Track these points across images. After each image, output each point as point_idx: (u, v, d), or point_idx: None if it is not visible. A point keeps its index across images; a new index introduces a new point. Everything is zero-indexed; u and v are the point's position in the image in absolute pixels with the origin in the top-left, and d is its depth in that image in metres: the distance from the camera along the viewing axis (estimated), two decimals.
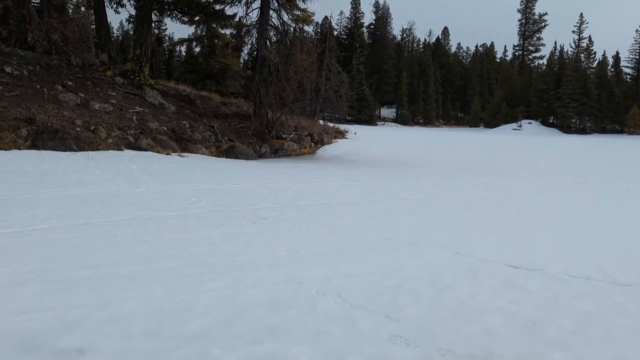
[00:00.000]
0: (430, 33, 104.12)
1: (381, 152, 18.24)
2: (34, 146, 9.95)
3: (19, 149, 9.60)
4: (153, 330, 2.54)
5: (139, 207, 5.60)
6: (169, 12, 15.95)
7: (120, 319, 2.63)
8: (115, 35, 61.73)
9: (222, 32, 22.61)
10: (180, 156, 11.64)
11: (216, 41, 26.98)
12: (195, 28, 24.23)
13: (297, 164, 12.81)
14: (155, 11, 15.68)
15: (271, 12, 15.17)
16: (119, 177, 7.73)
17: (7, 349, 2.25)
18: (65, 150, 10.14)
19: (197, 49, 33.45)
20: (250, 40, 15.71)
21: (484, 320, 2.76)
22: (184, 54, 45.95)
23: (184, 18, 18.34)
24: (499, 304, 3.03)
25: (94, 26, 30.06)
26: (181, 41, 27.95)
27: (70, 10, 26.54)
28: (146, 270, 3.45)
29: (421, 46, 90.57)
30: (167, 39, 69.06)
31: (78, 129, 11.12)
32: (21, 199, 5.66)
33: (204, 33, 24.97)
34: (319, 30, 67.28)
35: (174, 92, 16.59)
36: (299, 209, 6.04)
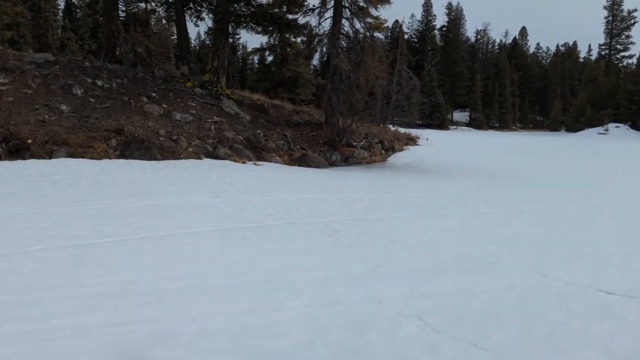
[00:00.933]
0: (506, 33, 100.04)
1: (455, 159, 17.78)
2: (122, 155, 10.65)
3: (110, 158, 10.30)
4: (239, 347, 2.64)
5: (220, 218, 5.83)
6: (244, 24, 16.51)
7: (210, 334, 2.76)
8: (192, 46, 64.73)
9: (294, 40, 23.10)
10: (255, 165, 11.99)
11: (288, 49, 27.58)
12: (268, 37, 24.85)
13: (368, 172, 12.78)
14: (232, 24, 16.28)
15: (343, 20, 15.29)
16: (200, 187, 8.09)
17: None
18: (150, 159, 10.76)
19: (270, 58, 34.40)
20: (322, 49, 15.89)
21: (577, 354, 2.62)
22: (256, 62, 47.41)
23: (257, 29, 18.93)
24: (593, 335, 2.86)
25: (174, 37, 31.71)
26: (255, 51, 28.80)
27: (153, 24, 28.21)
28: (230, 284, 3.59)
29: (496, 47, 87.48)
30: (240, 47, 71.53)
31: (161, 138, 11.76)
32: (113, 209, 6.07)
33: (276, 42, 25.56)
34: (389, 34, 66.84)
35: (248, 102, 17.12)
36: (373, 222, 6.03)
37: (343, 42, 14.79)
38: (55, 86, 13.40)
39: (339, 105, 14.85)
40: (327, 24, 15.92)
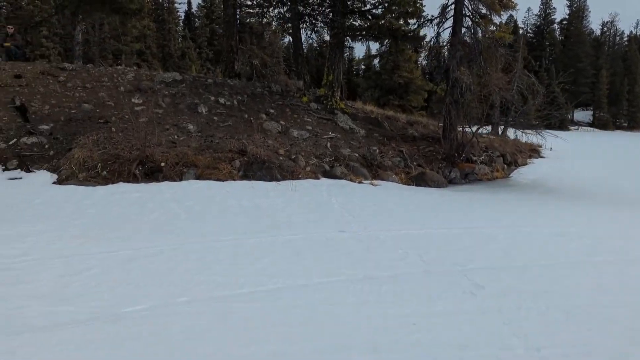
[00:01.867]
0: (637, 24, 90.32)
1: (592, 174, 16.14)
2: (245, 176, 10.95)
3: (234, 179, 10.63)
4: None
5: (349, 262, 5.63)
6: (360, 37, 16.35)
7: None
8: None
9: (407, 46, 22.58)
10: (372, 184, 11.74)
11: (399, 56, 27.03)
12: (379, 44, 24.48)
13: (493, 194, 11.95)
14: (347, 37, 16.22)
15: (464, 30, 14.52)
16: (324, 217, 7.99)
17: None
18: (271, 179, 10.95)
19: (378, 64, 34.06)
20: (441, 60, 15.24)
21: None
22: (362, 67, 47.28)
23: (371, 40, 18.68)
24: None
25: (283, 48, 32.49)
26: (364, 58, 28.65)
27: (267, 37, 29.15)
28: None
29: (625, 39, 79.26)
30: (346, 49, 71.64)
31: (281, 158, 11.94)
32: (245, 246, 6.13)
33: (387, 49, 25.12)
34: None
35: (362, 115, 16.94)
36: (516, 274, 5.47)
37: (463, 54, 14.02)
38: (182, 105, 14.21)
39: (458, 120, 14.14)
40: (445, 34, 15.26)
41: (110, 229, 6.61)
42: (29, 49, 33.25)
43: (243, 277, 4.96)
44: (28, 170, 9.65)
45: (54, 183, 9.33)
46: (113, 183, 9.65)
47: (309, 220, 7.68)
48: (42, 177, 9.43)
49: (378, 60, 31.93)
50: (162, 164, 10.24)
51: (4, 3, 44.44)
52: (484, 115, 14.56)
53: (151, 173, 10.18)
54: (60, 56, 35.13)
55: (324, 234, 6.89)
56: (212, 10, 70.02)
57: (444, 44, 14.88)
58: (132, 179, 9.93)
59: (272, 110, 15.26)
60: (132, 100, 13.81)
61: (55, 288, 4.51)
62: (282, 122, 14.56)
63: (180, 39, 66.34)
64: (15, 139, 10.51)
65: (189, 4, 74.88)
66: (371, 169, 12.90)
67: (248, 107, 15.20)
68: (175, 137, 12.05)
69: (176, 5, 67.77)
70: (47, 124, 11.49)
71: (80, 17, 23.13)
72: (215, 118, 13.91)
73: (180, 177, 10.29)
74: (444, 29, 14.81)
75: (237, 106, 15.08)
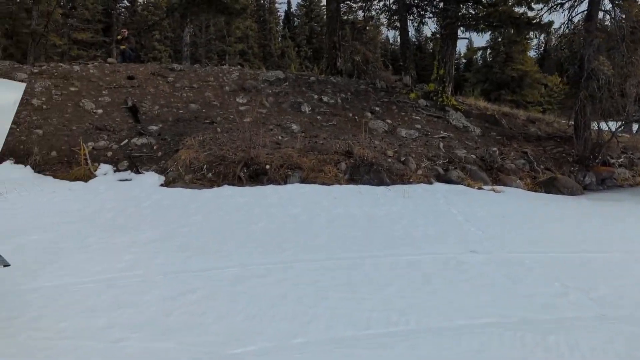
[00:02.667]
0: None
1: None
2: (351, 180, 10.15)
3: (340, 183, 9.88)
4: None
5: (493, 297, 4.56)
6: (475, 27, 14.90)
7: None
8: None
9: (526, 36, 20.49)
10: (494, 191, 10.41)
11: (512, 47, 24.84)
12: (490, 35, 22.58)
13: None
14: (461, 27, 14.85)
15: (601, 13, 12.58)
16: (445, 230, 6.95)
17: None
18: (379, 183, 10.05)
19: (481, 57, 31.70)
20: (574, 49, 13.36)
21: None
22: (463, 61, 44.59)
23: (486, 29, 17.07)
24: None
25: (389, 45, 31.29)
26: (474, 50, 26.73)
27: (369, 31, 28.25)
28: None
29: None
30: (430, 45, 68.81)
31: (389, 160, 11.00)
32: (362, 267, 5.30)
33: (499, 39, 23.12)
34: None
35: (475, 111, 15.47)
36: None
37: (601, 41, 12.11)
38: (286, 104, 13.76)
39: (594, 116, 12.27)
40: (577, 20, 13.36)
41: (216, 240, 6.10)
42: (143, 52, 35.30)
43: (367, 312, 4.12)
44: (137, 172, 9.61)
45: (162, 185, 9.17)
46: (218, 186, 9.31)
47: (430, 235, 6.67)
48: (151, 179, 9.31)
49: (482, 53, 29.69)
50: (267, 167, 9.74)
51: (123, 10, 47.81)
52: (626, 112, 12.52)
53: (256, 175, 9.73)
54: (171, 58, 36.89)
55: (452, 254, 5.85)
56: (311, 9, 70.64)
57: (577, 30, 13.01)
58: (237, 181, 9.54)
59: (377, 108, 14.35)
60: (237, 99, 13.61)
61: (157, 315, 3.96)
62: (389, 121, 13.60)
63: (280, 39, 67.67)
64: (126, 140, 10.59)
65: (289, 3, 76.27)
66: (491, 173, 11.53)
67: (352, 105, 14.42)
68: (279, 137, 11.57)
69: (277, 5, 69.30)
70: (156, 124, 11.52)
71: (189, 19, 23.81)
72: (318, 117, 13.30)
73: (284, 180, 9.73)
74: (577, 14, 12.95)
75: (340, 104, 14.36)
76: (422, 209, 8.22)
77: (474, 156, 12.01)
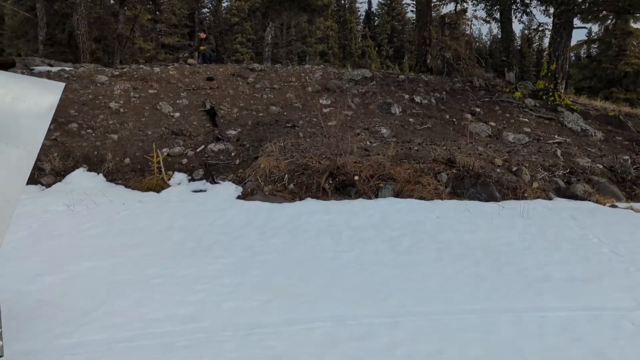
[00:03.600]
0: None
1: None
2: (454, 193, 8.65)
3: (441, 197, 8.41)
4: None
5: None
6: (594, 14, 12.75)
7: None
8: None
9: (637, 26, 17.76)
10: (633, 209, 8.45)
11: (626, 39, 21.87)
12: (598, 26, 19.98)
13: None
14: (579, 15, 12.77)
15: None
16: (596, 272, 5.29)
17: None
18: (487, 199, 8.48)
19: (585, 51, 28.46)
20: None
21: None
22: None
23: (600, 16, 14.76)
24: None
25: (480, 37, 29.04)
26: (580, 43, 23.91)
27: (462, 25, 26.22)
28: None
29: None
30: (536, 39, 64.49)
31: (498, 170, 9.34)
32: (498, 325, 3.87)
33: (610, 30, 20.41)
34: None
35: (593, 112, 13.28)
36: None
37: None
38: (373, 105, 12.45)
39: None
40: None
41: (299, 276, 4.92)
42: (225, 55, 35.45)
43: None
44: (213, 181, 8.72)
45: (239, 197, 8.20)
46: (300, 199, 8.20)
47: (577, 278, 5.07)
48: (227, 190, 8.37)
49: (587, 46, 26.50)
50: (356, 178, 8.48)
51: (207, 14, 48.82)
52: None
53: (342, 187, 8.51)
54: (252, 60, 36.79)
55: (619, 310, 4.26)
56: (392, 7, 68.92)
57: None
58: (322, 194, 8.38)
59: (477, 109, 12.64)
60: (320, 101, 12.49)
61: None
62: (492, 124, 11.86)
63: (360, 38, 66.62)
64: (202, 146, 9.78)
65: (369, 3, 74.94)
66: (623, 187, 9.52)
67: (448, 106, 12.82)
68: (368, 143, 10.29)
69: (357, 5, 68.36)
70: (234, 128, 10.66)
71: (270, 18, 23.16)
72: (411, 120, 11.85)
73: (375, 193, 8.43)
74: None
75: (435, 105, 12.82)
76: (551, 236, 6.57)
77: (600, 166, 10.02)
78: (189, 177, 8.86)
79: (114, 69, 14.27)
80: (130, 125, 10.42)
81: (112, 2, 23.58)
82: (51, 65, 16.22)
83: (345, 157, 8.91)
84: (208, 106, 11.47)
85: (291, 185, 8.56)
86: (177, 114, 11.12)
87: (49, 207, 7.33)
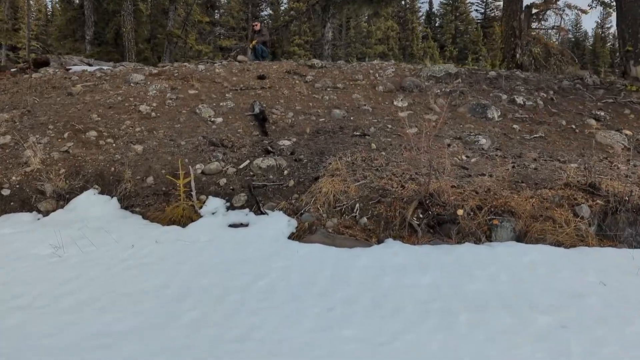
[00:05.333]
0: None
1: None
2: (603, 236, 5.92)
3: (585, 242, 5.71)
4: None
5: None
6: None
7: None
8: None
9: None
10: None
11: None
12: None
13: None
14: None
15: None
16: None
17: None
18: None
19: None
20: None
21: None
22: None
23: None
24: None
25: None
26: None
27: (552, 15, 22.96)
28: None
29: None
30: (611, 37, 59.20)
31: None
32: None
33: None
34: None
35: None
36: None
37: None
38: (463, 108, 9.83)
39: None
40: None
41: None
42: (283, 57, 33.64)
43: None
44: (258, 211, 6.43)
45: (292, 236, 5.86)
46: (378, 240, 5.78)
47: None
48: (276, 224, 6.05)
49: None
50: (460, 212, 5.93)
51: (266, 17, 47.45)
52: None
53: (438, 224, 5.98)
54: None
55: None
56: (455, 7, 65.38)
57: None
58: (408, 233, 5.91)
59: (601, 113, 9.72)
60: (395, 103, 10.02)
61: None
62: (627, 132, 8.94)
63: (421, 40, 63.71)
64: (247, 161, 7.54)
65: (430, 3, 71.61)
66: None
67: (561, 109, 9.98)
68: (464, 157, 7.70)
69: (419, 4, 65.61)
70: (288, 137, 8.38)
71: (330, 13, 20.93)
72: (515, 126, 9.13)
73: (487, 234, 5.84)
74: None
75: (543, 107, 10.01)
76: None
77: None
78: (227, 204, 6.62)
79: (152, 67, 12.41)
80: (161, 133, 8.37)
81: None
82: (90, 65, 14.69)
83: (439, 179, 6.38)
84: (257, 109, 9.27)
85: (364, 219, 6.13)
86: (218, 119, 8.99)
87: (32, 249, 5.30)
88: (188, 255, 5.19)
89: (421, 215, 6.09)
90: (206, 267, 4.89)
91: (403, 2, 62.21)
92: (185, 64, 12.73)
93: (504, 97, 10.30)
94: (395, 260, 5.05)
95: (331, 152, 7.69)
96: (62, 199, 6.69)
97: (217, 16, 44.06)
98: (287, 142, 8.18)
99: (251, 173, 7.25)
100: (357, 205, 6.23)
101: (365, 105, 9.86)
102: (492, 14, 65.88)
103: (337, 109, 9.62)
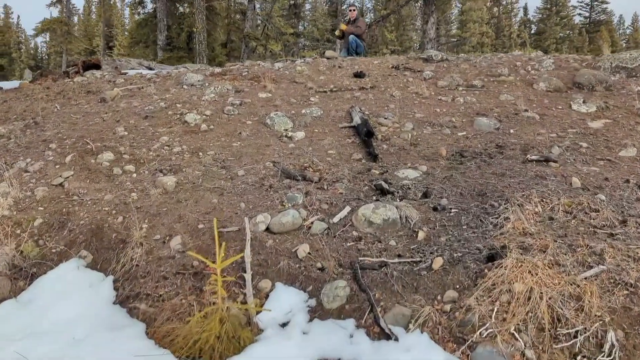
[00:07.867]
0: None
1: None
2: None
3: None
4: None
5: None
6: None
7: None
8: None
9: None
10: None
11: None
12: None
13: None
14: None
15: None
16: None
17: None
18: None
19: None
20: None
21: None
22: None
23: None
24: None
25: None
26: None
27: None
28: None
29: None
30: None
31: None
32: None
33: None
34: None
35: None
36: None
37: None
38: None
39: None
40: None
41: None
42: (372, 49, 30.35)
43: None
44: (374, 326, 3.07)
45: None
46: None
47: None
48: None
49: None
50: None
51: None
52: None
53: None
54: None
55: None
56: (557, 11, 59.19)
57: None
58: None
59: None
60: (573, 106, 6.33)
61: None
62: None
63: (519, 45, 58.48)
64: (347, 208, 4.19)
65: (525, 9, 65.60)
66: None
67: None
68: None
69: (516, 5, 60.90)
70: (413, 164, 4.99)
71: (434, 6, 17.45)
72: None
73: None
74: None
75: None
76: None
77: None
78: (311, 303, 3.32)
79: (218, 67, 9.61)
80: (209, 156, 5.30)
81: None
82: (151, 69, 12.30)
83: None
84: (357, 119, 5.97)
85: None
86: (299, 134, 5.80)
87: None
88: None
89: None
90: None
91: (495, 9, 58.09)
92: (259, 62, 9.81)
93: None
94: None
95: (498, 191, 4.19)
96: (24, 276, 3.75)
97: (301, 28, 42.26)
98: (412, 173, 4.78)
99: (355, 233, 3.91)
100: (611, 333, 2.67)
101: (526, 110, 6.24)
102: (599, 18, 59.32)
103: (482, 116, 6.10)
